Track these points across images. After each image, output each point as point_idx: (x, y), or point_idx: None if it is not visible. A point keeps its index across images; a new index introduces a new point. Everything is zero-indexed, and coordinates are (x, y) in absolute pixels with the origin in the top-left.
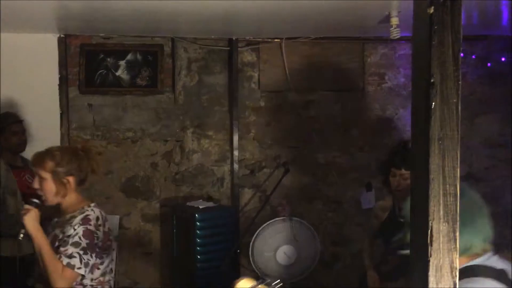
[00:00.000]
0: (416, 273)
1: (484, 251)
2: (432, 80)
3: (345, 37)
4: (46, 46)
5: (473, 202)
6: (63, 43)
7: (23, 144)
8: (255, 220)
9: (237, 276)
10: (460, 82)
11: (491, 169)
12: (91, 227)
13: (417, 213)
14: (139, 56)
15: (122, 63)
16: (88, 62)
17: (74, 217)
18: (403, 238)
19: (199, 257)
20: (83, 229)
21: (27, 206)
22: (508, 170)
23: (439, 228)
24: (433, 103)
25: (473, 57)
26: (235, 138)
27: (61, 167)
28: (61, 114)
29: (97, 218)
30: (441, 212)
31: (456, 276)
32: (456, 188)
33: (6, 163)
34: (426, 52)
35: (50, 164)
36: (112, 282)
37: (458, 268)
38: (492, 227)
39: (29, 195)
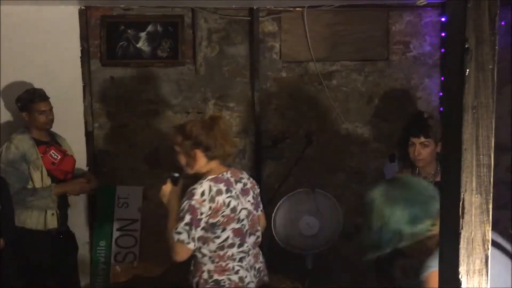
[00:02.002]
0: (446, 245)
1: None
2: (466, 45)
3: (369, 4)
4: (67, 18)
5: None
6: (84, 15)
7: (50, 122)
8: (278, 191)
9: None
10: (496, 48)
11: None
12: (194, 202)
13: (448, 185)
14: (159, 28)
15: (143, 34)
16: (109, 34)
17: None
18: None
19: None
20: (187, 204)
21: (166, 180)
22: None
23: (471, 200)
24: (467, 70)
25: (502, 23)
26: (257, 109)
27: (188, 140)
28: (84, 87)
29: (202, 193)
30: (474, 184)
31: (488, 249)
32: (490, 158)
33: (32, 138)
34: (460, 15)
35: (179, 138)
36: (237, 256)
37: (490, 240)
38: None
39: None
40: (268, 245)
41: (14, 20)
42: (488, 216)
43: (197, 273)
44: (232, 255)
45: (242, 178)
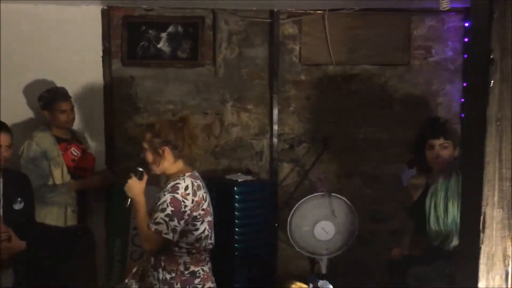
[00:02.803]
0: (465, 260)
1: None
2: (492, 56)
3: (390, 8)
4: (90, 18)
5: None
6: (106, 15)
7: (71, 121)
8: (293, 195)
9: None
10: None
11: None
12: (178, 196)
13: (469, 198)
14: (180, 29)
15: (164, 35)
16: (130, 34)
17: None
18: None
19: (237, 229)
20: (170, 196)
21: (131, 175)
22: None
23: (493, 214)
24: (492, 81)
25: None
26: (275, 112)
27: (157, 138)
28: (104, 86)
29: (186, 187)
30: (496, 198)
31: (509, 264)
32: None
33: (53, 135)
34: (485, 25)
35: (148, 135)
36: (208, 247)
37: (511, 256)
38: None
39: (139, 163)
40: (283, 248)
41: (38, 20)
42: (510, 231)
43: (171, 266)
44: (206, 245)
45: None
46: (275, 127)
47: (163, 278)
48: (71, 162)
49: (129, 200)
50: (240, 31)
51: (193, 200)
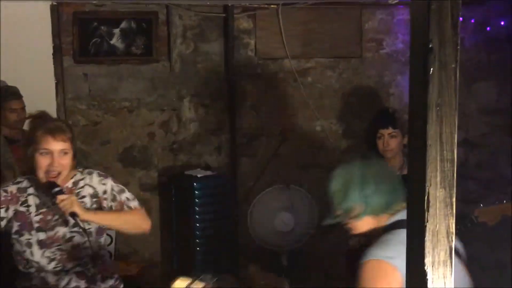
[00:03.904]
0: (413, 238)
1: (403, 208)
2: (430, 46)
3: (343, 2)
4: (39, 14)
5: (389, 169)
6: (56, 11)
7: (22, 121)
8: (253, 188)
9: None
10: (458, 48)
11: (488, 136)
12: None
13: (414, 180)
14: (133, 24)
15: (116, 31)
16: (82, 31)
17: (81, 180)
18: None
19: (198, 225)
20: (110, 179)
21: (62, 197)
22: (504, 137)
23: (436, 194)
24: (431, 69)
25: (472, 21)
26: (232, 106)
27: (74, 138)
28: (56, 84)
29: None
30: (438, 178)
31: (452, 241)
32: (454, 154)
33: (4, 136)
34: (424, 17)
35: (70, 135)
36: None
37: (454, 232)
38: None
39: (48, 183)
40: (245, 242)
41: None
42: (452, 210)
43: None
44: None
45: None
46: (233, 121)
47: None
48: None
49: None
50: (195, 26)
51: None
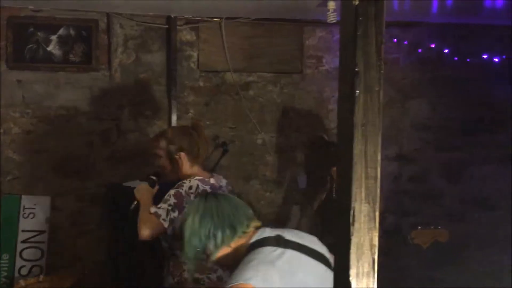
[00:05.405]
0: (339, 250)
1: (257, 228)
2: (356, 69)
3: (285, 19)
4: None
5: (233, 198)
6: None
7: None
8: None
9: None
10: (382, 72)
11: (420, 151)
12: (182, 191)
13: (341, 195)
14: (72, 31)
15: (54, 37)
16: (16, 36)
17: None
18: None
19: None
20: (174, 191)
21: (142, 183)
22: (435, 152)
23: (361, 208)
24: (357, 91)
25: (405, 42)
26: (173, 117)
27: (173, 145)
28: None
29: (190, 187)
30: (363, 194)
31: (375, 253)
32: (377, 171)
33: None
34: (351, 42)
35: (163, 142)
36: None
37: (377, 245)
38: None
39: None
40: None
41: None
42: (375, 223)
43: (177, 272)
44: None
45: (221, 185)
46: None
47: (172, 284)
48: None
49: (135, 203)
50: (137, 36)
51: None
